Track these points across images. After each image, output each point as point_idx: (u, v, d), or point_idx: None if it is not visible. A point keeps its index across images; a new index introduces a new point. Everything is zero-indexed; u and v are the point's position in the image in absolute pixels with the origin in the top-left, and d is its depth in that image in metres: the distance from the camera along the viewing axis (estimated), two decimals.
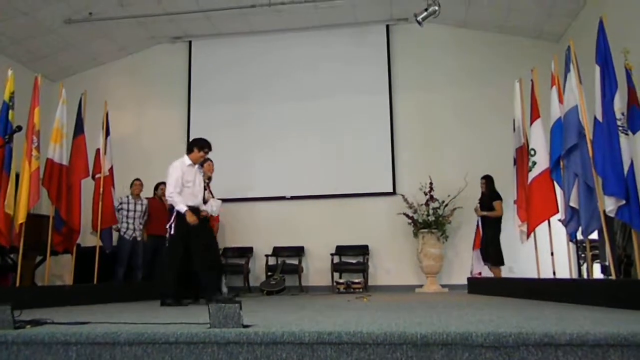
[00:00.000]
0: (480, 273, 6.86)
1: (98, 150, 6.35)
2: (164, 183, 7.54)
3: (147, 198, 7.31)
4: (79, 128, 6.12)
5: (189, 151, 5.13)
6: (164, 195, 7.47)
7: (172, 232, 4.88)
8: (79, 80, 9.03)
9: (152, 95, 9.52)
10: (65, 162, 5.75)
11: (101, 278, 6.03)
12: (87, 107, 6.27)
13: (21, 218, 5.02)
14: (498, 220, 6.96)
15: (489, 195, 7.12)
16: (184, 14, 8.47)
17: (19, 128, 5.04)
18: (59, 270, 7.74)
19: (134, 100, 9.52)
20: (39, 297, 4.46)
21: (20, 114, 5.33)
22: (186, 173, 4.96)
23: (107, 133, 6.44)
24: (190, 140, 5.15)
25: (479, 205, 7.18)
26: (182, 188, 4.90)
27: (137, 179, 7.23)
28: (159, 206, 7.53)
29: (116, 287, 6.17)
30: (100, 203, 6.06)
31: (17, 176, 5.17)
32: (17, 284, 5.12)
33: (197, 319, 2.39)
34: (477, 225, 7.09)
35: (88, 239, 6.88)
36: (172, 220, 4.89)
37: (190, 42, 9.51)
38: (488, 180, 7.22)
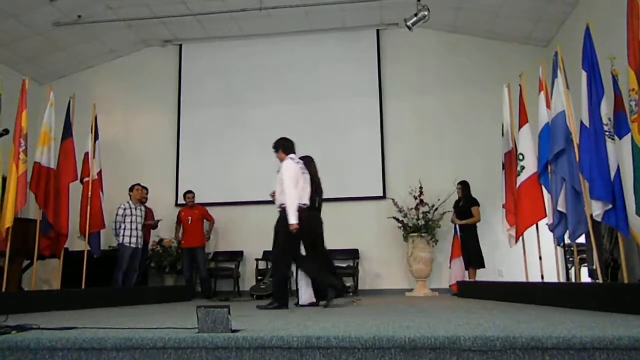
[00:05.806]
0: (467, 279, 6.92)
1: (87, 154, 6.31)
2: (139, 184, 7.58)
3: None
4: (67, 131, 6.08)
5: None
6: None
7: None
8: (68, 83, 8.96)
9: (142, 99, 9.46)
10: (53, 165, 5.72)
11: (90, 283, 5.98)
12: (75, 111, 6.23)
13: (8, 222, 4.97)
14: (475, 225, 7.19)
15: (466, 201, 7.23)
16: (175, 17, 8.45)
17: (6, 131, 4.95)
18: (46, 274, 7.67)
19: (124, 104, 9.46)
20: (26, 302, 4.41)
21: (7, 117, 5.27)
22: None
23: (96, 137, 6.41)
24: None
25: (454, 213, 7.30)
26: None
27: (139, 184, 7.21)
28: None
29: (104, 292, 6.11)
30: (88, 207, 6.02)
31: (4, 180, 5.12)
32: (4, 289, 5.06)
33: (185, 324, 2.38)
34: (455, 234, 7.14)
35: (76, 243, 6.82)
36: None
37: (180, 46, 9.48)
38: (464, 186, 7.37)
